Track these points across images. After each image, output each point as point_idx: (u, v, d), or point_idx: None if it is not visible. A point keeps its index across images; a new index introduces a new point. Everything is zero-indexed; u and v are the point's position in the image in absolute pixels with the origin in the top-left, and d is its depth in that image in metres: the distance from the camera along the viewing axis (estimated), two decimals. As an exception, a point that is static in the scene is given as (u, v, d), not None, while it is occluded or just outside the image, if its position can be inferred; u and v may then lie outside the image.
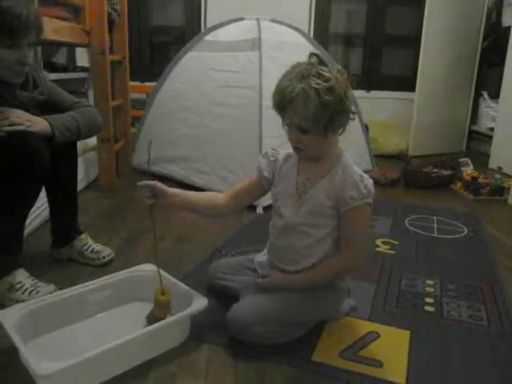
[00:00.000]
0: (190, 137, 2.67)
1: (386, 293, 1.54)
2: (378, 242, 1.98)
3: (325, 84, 1.05)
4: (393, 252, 1.88)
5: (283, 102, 1.09)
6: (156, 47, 4.51)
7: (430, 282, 1.63)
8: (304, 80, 1.06)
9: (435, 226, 2.21)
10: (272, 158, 1.32)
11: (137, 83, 4.05)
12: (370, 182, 1.20)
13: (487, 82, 4.17)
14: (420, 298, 1.51)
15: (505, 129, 3.38)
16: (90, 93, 2.85)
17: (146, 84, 4.00)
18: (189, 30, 4.19)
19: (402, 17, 4.29)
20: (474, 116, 4.23)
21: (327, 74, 1.06)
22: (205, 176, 2.55)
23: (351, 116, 1.13)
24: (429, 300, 1.50)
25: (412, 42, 4.07)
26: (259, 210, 2.26)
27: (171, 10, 4.49)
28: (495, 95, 3.81)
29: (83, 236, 1.71)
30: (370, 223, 1.24)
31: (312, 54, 1.12)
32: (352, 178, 1.18)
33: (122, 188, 2.65)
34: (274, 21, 2.77)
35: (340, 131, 1.16)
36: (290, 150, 1.25)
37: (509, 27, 3.47)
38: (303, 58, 2.84)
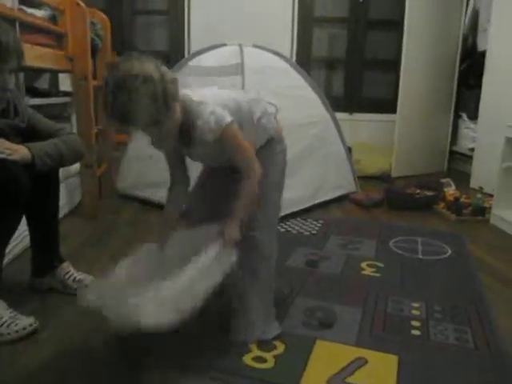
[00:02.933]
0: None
1: (372, 317, 1.53)
2: (364, 264, 1.98)
3: None
4: (378, 275, 1.88)
5: None
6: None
7: (416, 304, 1.63)
8: None
9: (420, 247, 2.22)
10: None
11: (121, 107, 4.06)
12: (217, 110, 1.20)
13: (466, 104, 4.27)
14: (406, 322, 1.51)
15: (484, 149, 3.45)
16: (74, 117, 2.84)
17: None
18: (173, 55, 4.22)
19: (382, 41, 4.39)
20: (454, 137, 4.31)
21: None
22: (189, 200, 2.53)
23: None
24: (415, 323, 1.50)
25: (392, 65, 4.16)
26: (244, 234, 2.24)
27: (155, 35, 4.53)
28: (474, 116, 3.89)
29: (65, 264, 1.68)
30: (240, 139, 1.25)
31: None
32: (201, 123, 1.18)
33: (105, 213, 2.62)
34: (256, 46, 2.81)
35: None
36: None
37: (484, 51, 3.57)
38: (285, 82, 2.88)
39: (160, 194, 2.68)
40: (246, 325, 1.39)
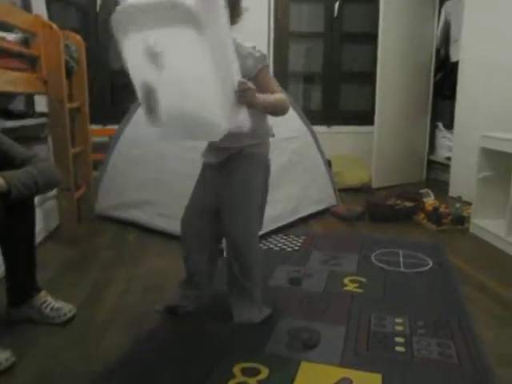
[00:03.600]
0: (154, 181, 2.64)
1: (356, 335, 1.53)
2: (346, 280, 1.98)
3: None
4: (361, 290, 1.88)
5: None
6: (118, 90, 4.50)
7: (399, 320, 1.63)
8: None
9: (401, 259, 2.23)
10: None
11: (99, 127, 4.02)
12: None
13: (441, 114, 4.35)
14: (390, 338, 1.51)
15: (460, 158, 3.51)
16: (50, 138, 2.80)
17: (109, 127, 3.97)
18: (150, 73, 4.21)
19: (358, 54, 4.45)
20: (432, 146, 4.38)
21: None
22: (171, 220, 2.50)
23: None
24: (399, 339, 1.50)
25: (368, 77, 4.21)
26: (226, 254, 2.23)
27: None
28: (450, 126, 3.96)
29: (42, 293, 1.64)
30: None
31: None
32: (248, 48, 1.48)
33: (84, 236, 2.58)
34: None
35: None
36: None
37: (456, 62, 3.65)
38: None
39: (140, 215, 2.68)
40: (252, 303, 1.60)
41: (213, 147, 1.59)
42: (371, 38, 4.01)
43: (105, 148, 3.16)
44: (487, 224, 2.63)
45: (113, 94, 4.44)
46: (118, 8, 1.22)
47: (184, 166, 2.50)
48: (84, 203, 2.85)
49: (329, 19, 4.33)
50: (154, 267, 2.12)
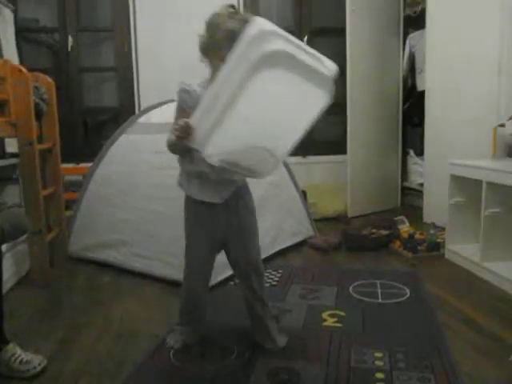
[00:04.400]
0: (129, 220, 2.61)
1: (336, 373, 1.50)
2: (325, 315, 1.96)
3: None
4: (340, 325, 1.86)
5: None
6: (90, 128, 4.49)
7: (379, 354, 1.62)
8: None
9: (379, 290, 2.23)
10: (191, 90, 1.48)
11: (71, 165, 3.98)
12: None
13: (412, 141, 4.45)
14: (371, 375, 1.49)
15: (432, 184, 3.57)
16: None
17: (82, 165, 3.93)
18: (123, 110, 4.22)
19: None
20: (405, 173, 4.45)
21: None
22: (147, 261, 2.47)
23: None
24: (379, 375, 1.48)
25: (339, 107, 4.28)
26: (203, 292, 2.19)
27: (105, 91, 4.53)
28: (420, 153, 4.05)
29: (10, 346, 1.57)
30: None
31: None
32: None
33: (57, 280, 2.51)
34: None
35: None
36: (199, 81, 1.52)
37: (423, 91, 3.76)
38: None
39: (115, 256, 2.63)
40: (273, 328, 1.71)
41: (213, 186, 1.54)
42: (340, 71, 4.11)
43: (78, 187, 3.12)
44: (461, 249, 2.66)
45: (86, 132, 4.42)
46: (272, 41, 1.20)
47: (157, 204, 2.49)
48: (57, 245, 2.78)
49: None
50: (128, 311, 2.07)
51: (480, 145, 2.94)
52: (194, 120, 1.29)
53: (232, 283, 2.35)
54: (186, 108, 1.44)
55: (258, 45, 1.18)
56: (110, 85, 4.47)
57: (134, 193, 2.63)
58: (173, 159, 2.49)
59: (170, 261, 2.34)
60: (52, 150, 2.75)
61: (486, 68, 3.00)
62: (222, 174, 1.48)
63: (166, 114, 2.72)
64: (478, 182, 2.42)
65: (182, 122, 1.30)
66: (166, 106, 2.82)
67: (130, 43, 4.19)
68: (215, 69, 1.39)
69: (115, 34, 4.27)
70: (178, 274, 2.29)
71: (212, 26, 1.43)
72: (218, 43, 1.41)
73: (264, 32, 1.19)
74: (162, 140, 2.59)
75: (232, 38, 1.29)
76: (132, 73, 4.21)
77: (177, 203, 2.41)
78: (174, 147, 1.49)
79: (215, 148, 1.31)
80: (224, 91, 1.23)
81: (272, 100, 1.29)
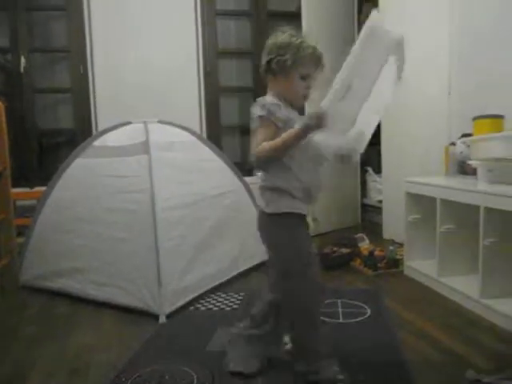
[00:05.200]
0: (85, 247, 2.52)
1: (297, 400, 1.48)
2: (287, 338, 1.93)
3: None
4: (301, 348, 1.84)
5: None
6: (45, 151, 4.36)
7: (341, 376, 1.60)
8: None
9: (340, 310, 2.23)
10: (278, 103, 1.46)
11: (25, 190, 3.84)
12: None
13: (370, 159, 4.54)
14: (332, 399, 1.47)
15: (390, 202, 3.65)
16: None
17: (36, 189, 3.79)
18: (79, 133, 4.13)
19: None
20: (364, 190, 4.54)
21: None
22: (104, 288, 2.39)
23: None
24: (340, 399, 1.47)
25: (298, 127, 4.36)
26: (162, 320, 2.14)
27: (60, 113, 4.43)
28: (379, 170, 4.14)
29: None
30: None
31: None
32: None
33: (6, 312, 2.39)
34: (161, 122, 2.82)
35: None
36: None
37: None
38: (195, 156, 2.90)
39: (71, 284, 2.53)
40: None
41: (300, 198, 1.50)
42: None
43: (32, 212, 3.01)
44: (419, 265, 2.71)
45: (40, 155, 4.29)
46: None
47: (114, 230, 2.42)
48: (7, 274, 2.66)
49: (257, 74, 4.49)
50: (83, 343, 1.98)
51: (434, 162, 3.04)
52: (325, 109, 1.32)
53: (192, 308, 2.30)
54: (274, 120, 1.44)
55: (388, 35, 1.37)
56: (66, 106, 4.38)
57: (90, 218, 2.55)
58: (131, 183, 2.47)
59: (129, 288, 2.28)
60: (1, 175, 2.65)
61: (437, 88, 3.11)
62: (312, 182, 1.52)
63: (122, 137, 2.70)
64: (433, 199, 2.49)
65: (315, 113, 1.32)
66: (122, 128, 2.78)
67: (86, 64, 4.13)
68: (287, 87, 1.48)
69: (71, 54, 4.20)
70: (136, 301, 2.24)
71: (291, 45, 1.46)
72: (301, 61, 1.46)
73: (383, 24, 1.37)
74: (120, 163, 2.58)
75: (314, 55, 1.47)
76: (88, 94, 4.14)
77: (136, 228, 2.39)
78: (280, 151, 1.41)
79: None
80: (359, 82, 1.34)
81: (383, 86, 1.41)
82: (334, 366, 1.58)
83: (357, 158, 1.42)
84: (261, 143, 1.41)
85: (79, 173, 2.72)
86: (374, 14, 1.37)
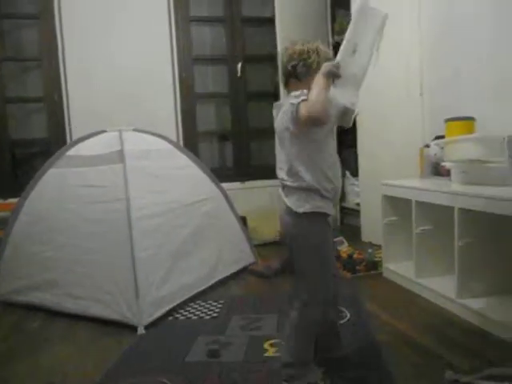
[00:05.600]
0: (60, 259, 2.46)
1: (277, 408, 1.47)
2: (266, 345, 1.92)
3: None
4: (279, 354, 1.83)
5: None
6: (19, 161, 4.26)
7: (321, 382, 1.60)
8: None
9: (320, 314, 2.22)
10: None
11: (-1, 201, 3.76)
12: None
13: (347, 162, 4.57)
14: (312, 405, 1.46)
15: (367, 204, 3.68)
16: None
17: (9, 201, 3.71)
18: (54, 142, 4.05)
19: (262, 111, 4.61)
20: (343, 193, 4.56)
21: None
22: (80, 301, 2.34)
23: None
24: (321, 405, 1.46)
25: (274, 132, 4.34)
26: (140, 331, 2.10)
27: (34, 122, 4.33)
28: (356, 173, 4.17)
29: None
30: None
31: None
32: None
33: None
34: (136, 130, 2.78)
35: None
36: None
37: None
38: (171, 163, 2.87)
39: (46, 297, 2.46)
40: None
41: (328, 198, 1.55)
42: (272, 96, 4.19)
43: (5, 224, 2.93)
44: (397, 267, 2.73)
45: (14, 166, 4.19)
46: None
47: (89, 241, 2.38)
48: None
49: (232, 79, 4.49)
50: (57, 357, 1.93)
51: (409, 164, 3.07)
52: (338, 60, 1.49)
53: (171, 318, 2.27)
54: None
55: (374, 11, 1.58)
56: (39, 116, 4.28)
57: (64, 229, 2.50)
58: (106, 193, 2.42)
59: (106, 300, 2.24)
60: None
61: (409, 91, 3.15)
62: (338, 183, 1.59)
63: (97, 146, 2.66)
64: (409, 201, 2.51)
65: (331, 63, 1.48)
66: (96, 137, 2.73)
67: (58, 72, 4.06)
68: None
69: (43, 62, 4.12)
70: (113, 313, 2.20)
71: (311, 50, 1.55)
72: (322, 62, 1.52)
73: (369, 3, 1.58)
74: (94, 173, 2.54)
75: (329, 55, 1.59)
76: (62, 103, 4.07)
77: (112, 238, 2.34)
78: (323, 99, 1.43)
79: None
80: (361, 41, 1.53)
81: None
82: (319, 372, 1.60)
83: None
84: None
85: (53, 183, 2.67)
86: None
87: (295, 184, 1.52)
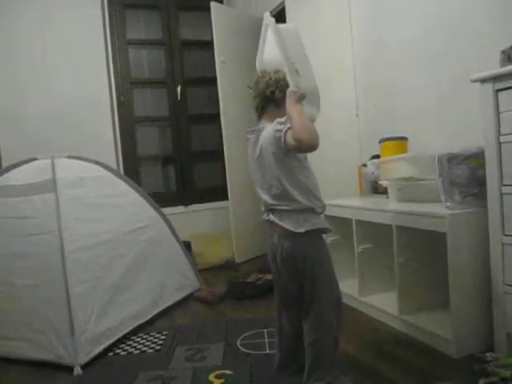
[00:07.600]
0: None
1: None
2: (212, 376, 1.86)
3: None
4: (226, 387, 1.77)
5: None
6: None
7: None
8: None
9: (266, 340, 2.19)
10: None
11: None
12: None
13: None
14: None
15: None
16: None
17: None
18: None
19: (205, 133, 4.60)
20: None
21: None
22: (9, 342, 2.16)
23: None
24: None
25: (217, 155, 4.31)
26: (77, 372, 1.97)
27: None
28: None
29: None
30: None
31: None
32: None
33: None
34: (70, 157, 2.66)
35: None
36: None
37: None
38: (108, 191, 2.76)
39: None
40: None
41: (323, 211, 1.64)
42: (214, 118, 4.17)
43: None
44: (342, 286, 2.70)
45: None
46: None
47: (17, 277, 2.23)
48: None
49: (173, 103, 4.44)
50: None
51: (350, 184, 3.12)
52: (296, 83, 1.58)
53: (111, 354, 2.15)
54: None
55: (284, 27, 1.70)
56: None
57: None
58: (37, 225, 2.28)
59: (38, 340, 2.09)
60: None
61: (346, 111, 3.23)
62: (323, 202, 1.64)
63: (27, 175, 2.51)
64: (349, 220, 2.55)
65: (290, 89, 1.56)
66: (26, 165, 2.59)
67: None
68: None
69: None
70: (48, 354, 2.05)
71: (282, 78, 1.64)
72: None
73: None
74: (25, 203, 2.39)
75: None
76: (-9, 129, 3.86)
77: (44, 273, 2.19)
78: (314, 129, 1.48)
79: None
80: (296, 59, 1.62)
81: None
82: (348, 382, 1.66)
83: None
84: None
85: (-22, 215, 2.48)
86: (266, 14, 1.72)
87: (290, 207, 1.56)
